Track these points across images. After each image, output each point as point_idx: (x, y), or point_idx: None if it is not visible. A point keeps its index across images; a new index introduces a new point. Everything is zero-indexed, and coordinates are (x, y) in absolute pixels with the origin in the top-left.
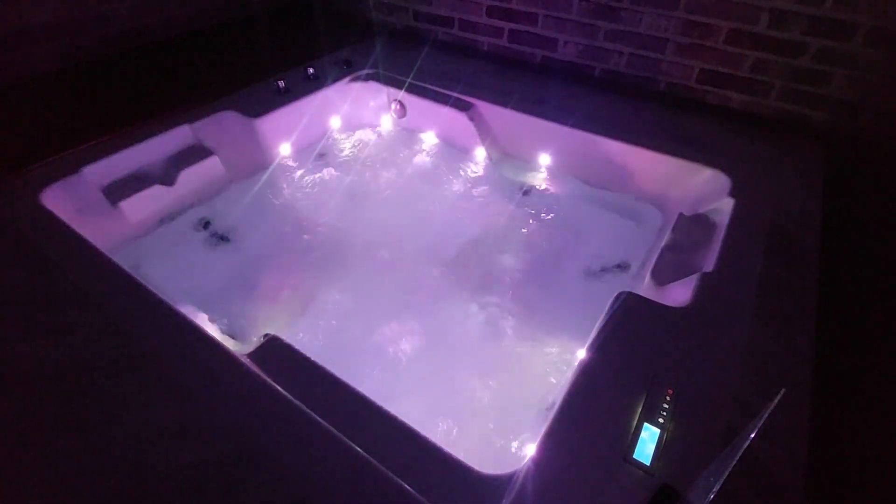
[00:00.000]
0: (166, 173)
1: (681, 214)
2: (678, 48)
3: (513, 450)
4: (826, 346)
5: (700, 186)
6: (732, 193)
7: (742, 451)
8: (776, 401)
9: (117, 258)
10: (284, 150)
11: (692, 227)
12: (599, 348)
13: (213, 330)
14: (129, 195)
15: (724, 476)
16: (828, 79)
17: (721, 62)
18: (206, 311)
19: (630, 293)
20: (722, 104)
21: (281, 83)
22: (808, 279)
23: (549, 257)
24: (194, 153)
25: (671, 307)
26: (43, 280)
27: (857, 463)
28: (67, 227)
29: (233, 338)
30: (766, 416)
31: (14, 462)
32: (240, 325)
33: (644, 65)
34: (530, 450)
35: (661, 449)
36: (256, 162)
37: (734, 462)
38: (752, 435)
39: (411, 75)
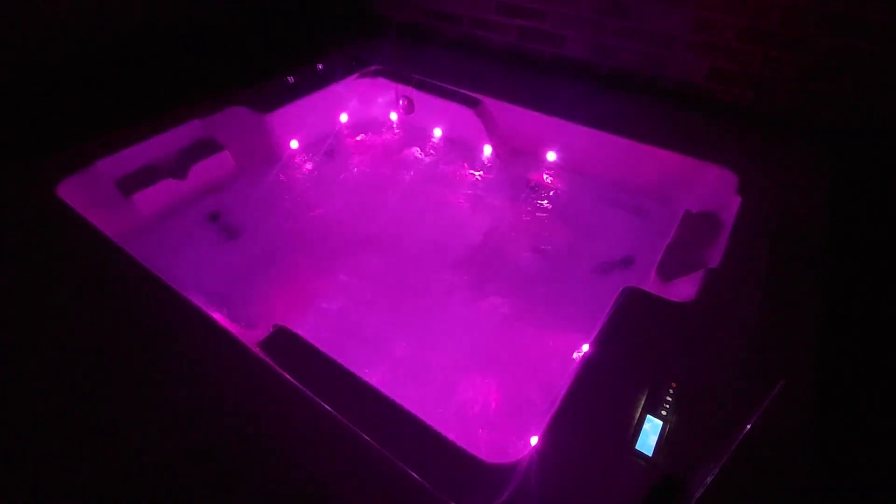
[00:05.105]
0: (178, 167)
1: (687, 211)
2: (687, 45)
3: (517, 440)
4: (830, 343)
5: (707, 184)
6: (739, 191)
7: (739, 440)
8: (775, 392)
9: (130, 249)
10: (293, 145)
11: (699, 224)
12: (604, 342)
13: (222, 320)
14: (141, 188)
15: (721, 464)
16: (838, 78)
17: (730, 60)
18: (215, 302)
19: (635, 288)
20: (730, 102)
21: (290, 79)
22: (814, 277)
23: (556, 253)
24: (205, 148)
25: (676, 302)
26: (58, 269)
27: (860, 459)
28: (82, 218)
29: (242, 328)
30: (764, 406)
31: (23, 448)
32: (248, 315)
33: (652, 62)
34: (534, 440)
35: (664, 441)
36: (266, 157)
37: (731, 450)
38: (749, 425)
39: (420, 72)
